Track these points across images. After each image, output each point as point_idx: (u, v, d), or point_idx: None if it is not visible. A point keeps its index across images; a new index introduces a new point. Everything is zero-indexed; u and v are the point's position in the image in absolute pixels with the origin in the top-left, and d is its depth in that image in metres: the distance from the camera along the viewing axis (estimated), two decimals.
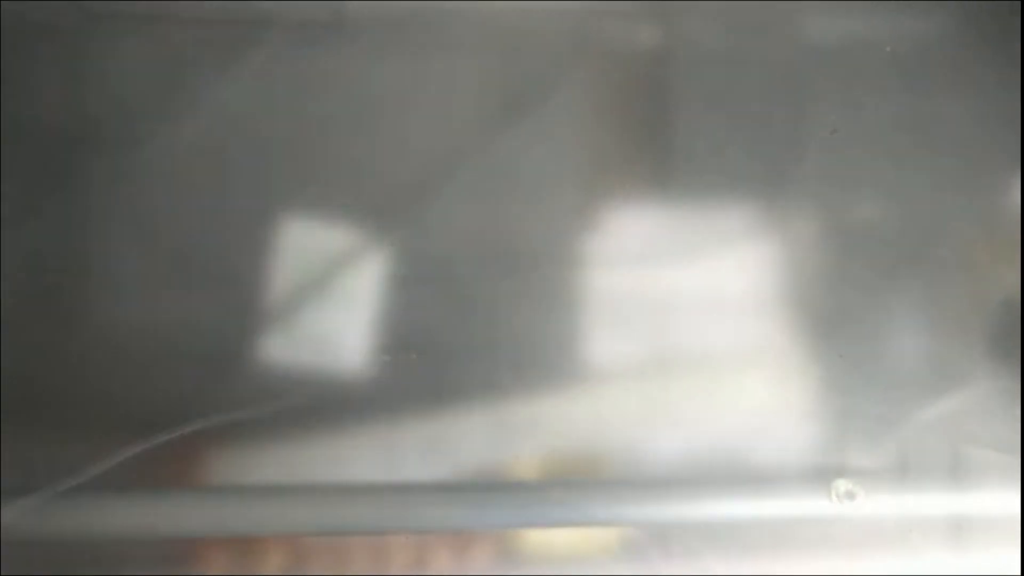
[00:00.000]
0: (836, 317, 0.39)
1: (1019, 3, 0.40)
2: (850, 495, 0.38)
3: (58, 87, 0.37)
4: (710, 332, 0.38)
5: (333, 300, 0.37)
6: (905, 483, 0.39)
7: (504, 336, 0.37)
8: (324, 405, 0.37)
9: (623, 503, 0.38)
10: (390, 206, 0.38)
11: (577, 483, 0.38)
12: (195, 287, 0.37)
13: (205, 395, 0.36)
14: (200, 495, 0.37)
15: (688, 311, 0.38)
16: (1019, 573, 0.39)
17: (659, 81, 0.39)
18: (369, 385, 0.37)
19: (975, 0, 0.40)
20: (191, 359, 0.36)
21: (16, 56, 0.37)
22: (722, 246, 0.39)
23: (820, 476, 0.38)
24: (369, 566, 0.37)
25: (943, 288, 0.39)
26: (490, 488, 0.38)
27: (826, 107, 0.40)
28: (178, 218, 0.37)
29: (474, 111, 0.38)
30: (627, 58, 0.39)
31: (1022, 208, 0.40)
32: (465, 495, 0.38)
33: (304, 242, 0.38)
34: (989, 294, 0.40)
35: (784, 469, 0.38)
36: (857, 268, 0.39)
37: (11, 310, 0.36)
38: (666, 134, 0.39)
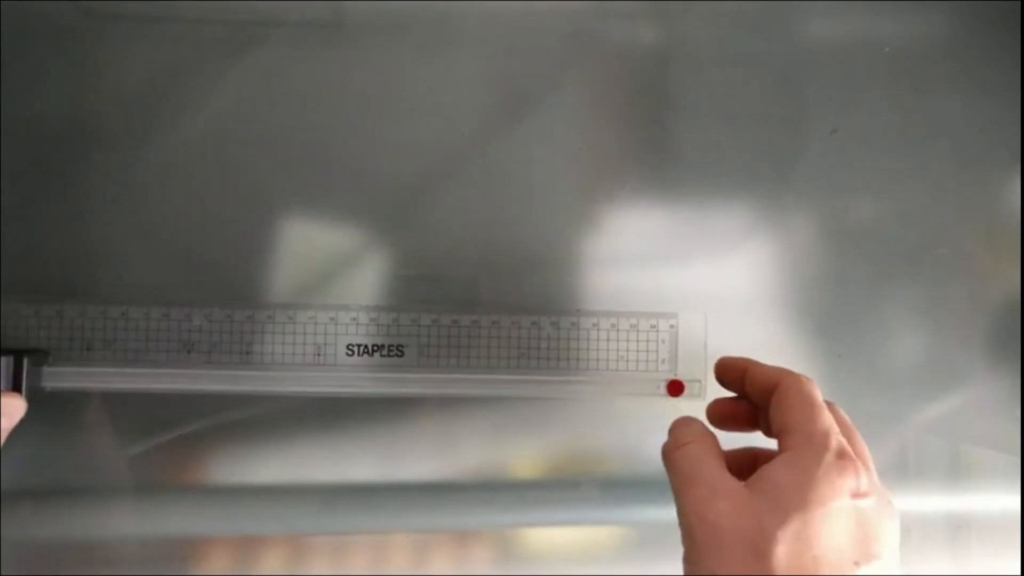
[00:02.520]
0: (836, 317, 0.39)
1: (1019, 3, 0.40)
2: None
3: (58, 86, 0.37)
4: (710, 332, 0.38)
5: (332, 299, 0.37)
6: (905, 483, 0.39)
7: (504, 336, 0.37)
8: (324, 405, 0.37)
9: (623, 503, 0.38)
10: (390, 205, 0.38)
11: (577, 483, 0.38)
12: (194, 285, 0.37)
13: (205, 394, 0.36)
14: (200, 495, 0.37)
15: (688, 311, 0.38)
16: (1019, 573, 0.39)
17: (659, 81, 0.39)
18: (369, 385, 0.37)
19: (975, 0, 0.40)
20: (190, 357, 0.36)
21: (17, 56, 0.37)
22: (722, 246, 0.39)
23: None
24: (369, 566, 0.37)
25: (943, 288, 0.40)
26: (490, 488, 0.38)
27: (826, 107, 0.40)
28: (178, 216, 0.37)
29: (474, 111, 0.38)
30: (627, 58, 0.39)
31: (1022, 208, 0.40)
32: (465, 495, 0.38)
33: (304, 241, 0.38)
34: (989, 294, 0.40)
35: None
36: (857, 268, 0.39)
37: (11, 305, 0.36)
38: (666, 134, 0.39)
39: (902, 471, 0.39)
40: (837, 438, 0.26)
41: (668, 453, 0.28)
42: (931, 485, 0.40)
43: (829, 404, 0.29)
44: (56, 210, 0.37)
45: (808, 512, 0.23)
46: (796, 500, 0.24)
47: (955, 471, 0.40)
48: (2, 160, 0.36)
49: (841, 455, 0.25)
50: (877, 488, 0.26)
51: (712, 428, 0.30)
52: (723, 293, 0.39)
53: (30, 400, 0.33)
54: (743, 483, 0.25)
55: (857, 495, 0.24)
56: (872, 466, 0.27)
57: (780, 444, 0.27)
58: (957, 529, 0.39)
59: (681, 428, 0.29)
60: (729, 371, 0.31)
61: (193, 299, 0.36)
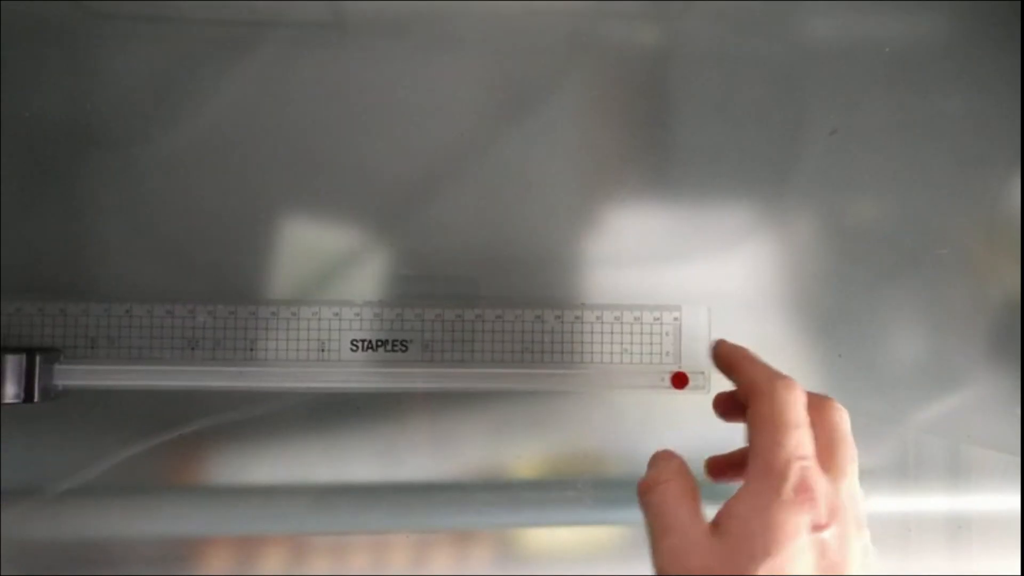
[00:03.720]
0: (836, 317, 0.39)
1: (1019, 3, 0.40)
2: None
3: (58, 86, 0.37)
4: (710, 332, 0.38)
5: (332, 299, 0.37)
6: (905, 483, 0.39)
7: (508, 330, 0.37)
8: (324, 405, 0.37)
9: (624, 503, 0.38)
10: (390, 205, 0.38)
11: (577, 483, 0.38)
12: (197, 282, 0.37)
13: (206, 394, 0.36)
14: (200, 495, 0.37)
15: (688, 311, 0.38)
16: (1019, 573, 0.39)
17: (659, 81, 0.39)
18: (372, 387, 0.37)
19: (975, 0, 0.40)
20: (195, 354, 0.36)
21: (17, 56, 0.37)
22: (722, 246, 0.39)
23: None
24: (369, 566, 0.37)
25: (943, 288, 0.40)
26: (490, 488, 0.38)
27: (826, 107, 0.40)
28: (180, 215, 0.37)
29: (474, 111, 0.38)
30: (627, 58, 0.39)
31: (1022, 208, 0.40)
32: (465, 495, 0.38)
33: (304, 240, 0.38)
34: (989, 294, 0.40)
35: None
36: (857, 268, 0.39)
37: (14, 304, 0.36)
38: (666, 134, 0.39)
39: (902, 471, 0.39)
40: (798, 466, 0.25)
41: (643, 493, 0.28)
42: (931, 485, 0.40)
43: (823, 403, 0.28)
44: (57, 209, 0.37)
45: (775, 557, 0.24)
46: (762, 545, 0.24)
47: (955, 471, 0.40)
48: (2, 160, 0.36)
49: (799, 488, 0.25)
50: (840, 510, 0.25)
51: (717, 421, 0.30)
52: (723, 293, 0.39)
53: (42, 398, 0.34)
54: (714, 523, 0.25)
55: (817, 527, 0.25)
56: (851, 475, 0.26)
57: (747, 464, 0.27)
58: (957, 529, 0.39)
59: (658, 464, 0.29)
60: (722, 359, 0.31)
61: (196, 296, 0.36)
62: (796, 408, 0.27)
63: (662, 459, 0.29)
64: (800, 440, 0.26)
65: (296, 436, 0.37)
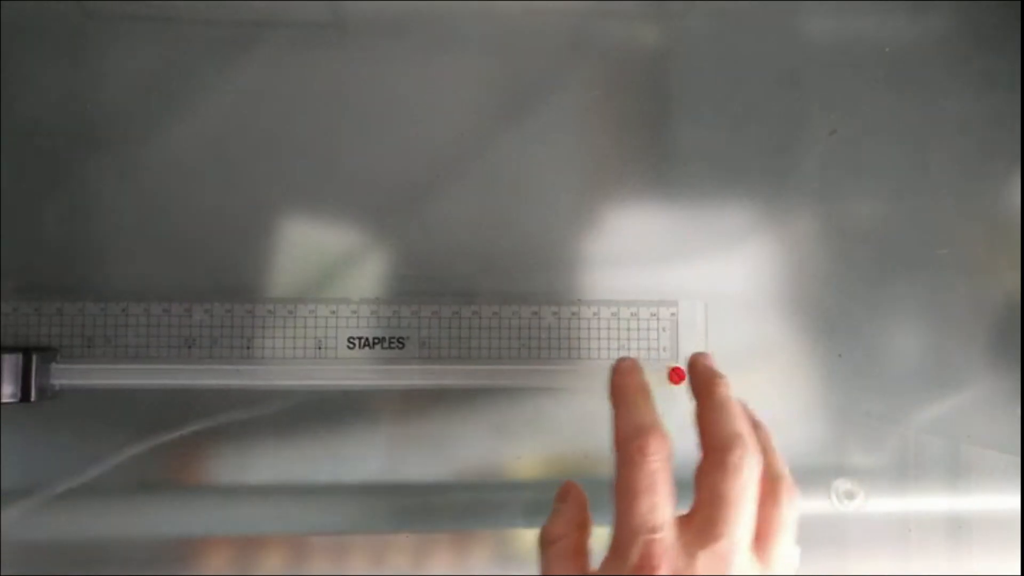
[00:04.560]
0: (836, 317, 0.39)
1: (1019, 3, 0.40)
2: (850, 495, 0.39)
3: (58, 86, 0.37)
4: (710, 331, 0.38)
5: (332, 299, 0.37)
6: (905, 483, 0.39)
7: (505, 326, 0.37)
8: (324, 405, 0.37)
9: None
10: (389, 204, 0.38)
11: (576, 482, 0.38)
12: (194, 282, 0.37)
13: (205, 394, 0.36)
14: (200, 495, 0.37)
15: (685, 306, 0.38)
16: (1019, 573, 0.39)
17: (659, 81, 0.39)
18: (369, 384, 0.37)
19: (975, 0, 0.40)
20: (191, 352, 0.36)
21: (17, 55, 0.37)
22: (722, 247, 0.39)
23: (820, 476, 0.39)
24: (369, 566, 0.37)
25: (943, 288, 0.40)
26: (490, 488, 0.38)
27: (826, 107, 0.40)
28: (177, 214, 0.37)
29: (474, 111, 0.38)
30: (627, 58, 0.39)
31: (1022, 208, 0.40)
32: (465, 495, 0.38)
33: (304, 241, 0.38)
34: (989, 294, 0.40)
35: None
36: (857, 268, 0.39)
37: (11, 303, 0.36)
38: (666, 134, 0.39)
39: (902, 471, 0.39)
40: (642, 541, 0.24)
41: (542, 546, 0.28)
42: (931, 485, 0.40)
43: (715, 459, 0.27)
44: (54, 209, 0.37)
45: None
46: None
47: (955, 471, 0.40)
48: (2, 160, 0.36)
49: (639, 567, 0.24)
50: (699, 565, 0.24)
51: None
52: (723, 293, 0.39)
53: (39, 397, 0.34)
54: None
55: None
56: (724, 537, 0.25)
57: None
58: (957, 529, 0.39)
59: (559, 510, 0.29)
60: (612, 390, 0.30)
61: (193, 295, 0.36)
62: (647, 472, 0.25)
63: (561, 507, 0.29)
64: (652, 507, 0.25)
65: (296, 436, 0.37)
